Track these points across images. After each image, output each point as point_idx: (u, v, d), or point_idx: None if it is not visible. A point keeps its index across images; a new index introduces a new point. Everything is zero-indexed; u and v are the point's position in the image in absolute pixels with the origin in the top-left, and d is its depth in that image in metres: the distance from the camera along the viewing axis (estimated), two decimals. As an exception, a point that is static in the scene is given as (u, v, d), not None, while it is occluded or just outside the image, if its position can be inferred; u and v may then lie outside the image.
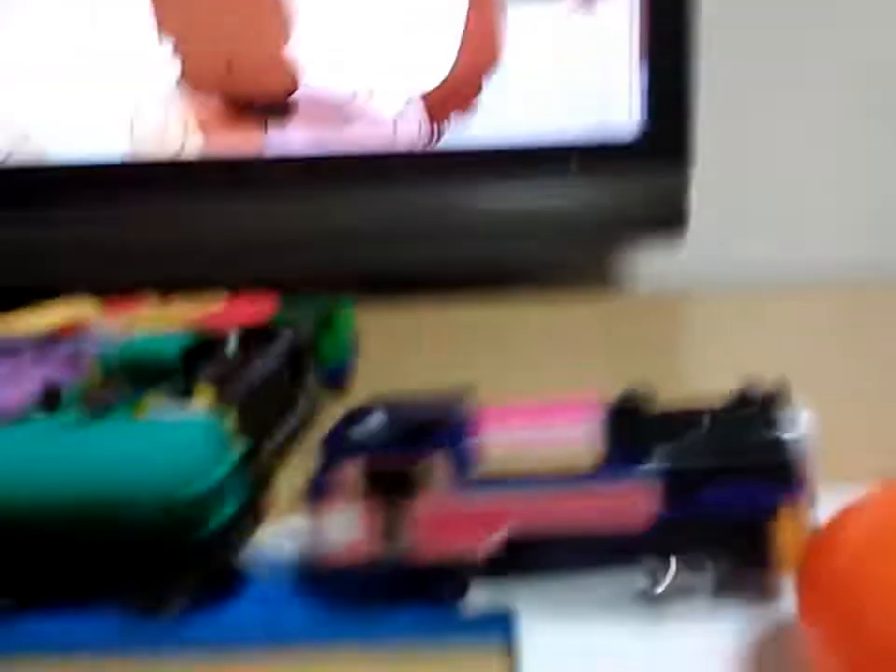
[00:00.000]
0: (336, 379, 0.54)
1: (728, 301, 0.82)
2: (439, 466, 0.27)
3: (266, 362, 0.44)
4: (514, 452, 0.28)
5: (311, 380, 0.50)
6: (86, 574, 0.31)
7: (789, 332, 0.70)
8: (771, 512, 0.26)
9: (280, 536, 0.33)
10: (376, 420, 0.29)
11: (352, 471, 0.27)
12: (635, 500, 0.26)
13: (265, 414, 0.40)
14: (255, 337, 0.46)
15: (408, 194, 0.76)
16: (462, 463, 0.27)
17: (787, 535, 0.25)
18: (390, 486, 0.27)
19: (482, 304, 0.85)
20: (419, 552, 0.28)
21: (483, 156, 0.75)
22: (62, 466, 0.30)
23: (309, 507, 0.28)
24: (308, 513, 0.29)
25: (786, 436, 0.26)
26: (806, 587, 0.22)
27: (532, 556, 0.28)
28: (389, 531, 0.28)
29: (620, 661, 0.26)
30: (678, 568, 0.27)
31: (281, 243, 0.70)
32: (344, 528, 0.28)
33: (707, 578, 0.27)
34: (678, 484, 0.26)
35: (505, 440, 0.28)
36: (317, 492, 0.28)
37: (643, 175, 0.77)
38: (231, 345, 0.43)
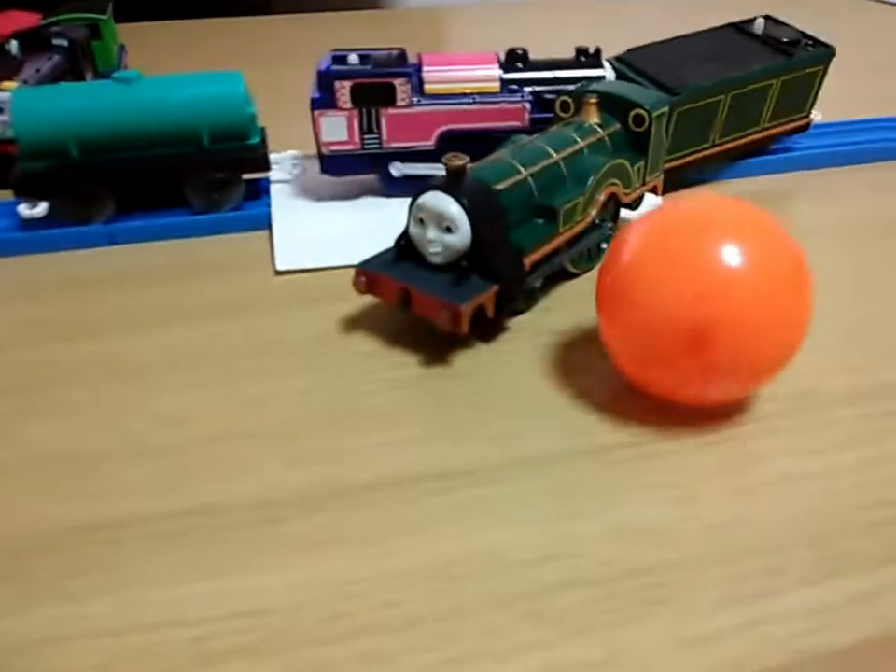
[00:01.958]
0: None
1: (486, 13, 1.03)
2: (402, 86, 0.44)
3: (49, 58, 0.56)
4: (447, 80, 0.46)
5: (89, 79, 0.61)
6: (170, 186, 0.46)
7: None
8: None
9: (283, 159, 0.51)
10: (353, 58, 0.45)
11: (343, 89, 0.44)
12: (520, 110, 0.45)
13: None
14: (32, 41, 0.58)
15: None
16: (415, 85, 0.45)
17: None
18: (370, 98, 0.44)
19: (249, 25, 0.98)
20: (388, 142, 0.46)
21: None
22: (156, 109, 0.44)
23: (314, 115, 0.45)
24: (314, 120, 0.45)
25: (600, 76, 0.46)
26: (601, 282, 0.31)
27: (456, 147, 0.45)
28: (368, 129, 0.45)
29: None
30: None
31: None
32: (337, 129, 0.45)
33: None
34: (542, 103, 0.46)
35: (440, 72, 0.46)
36: (319, 105, 0.45)
37: None
38: (14, 47, 0.56)
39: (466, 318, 0.32)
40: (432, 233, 0.34)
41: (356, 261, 0.41)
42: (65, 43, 0.59)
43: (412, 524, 0.27)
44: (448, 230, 0.33)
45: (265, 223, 0.47)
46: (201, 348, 0.37)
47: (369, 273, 0.35)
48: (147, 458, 0.30)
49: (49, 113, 0.43)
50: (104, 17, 0.68)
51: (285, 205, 0.49)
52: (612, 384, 0.33)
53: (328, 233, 0.46)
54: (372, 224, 0.46)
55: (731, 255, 0.27)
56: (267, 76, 0.77)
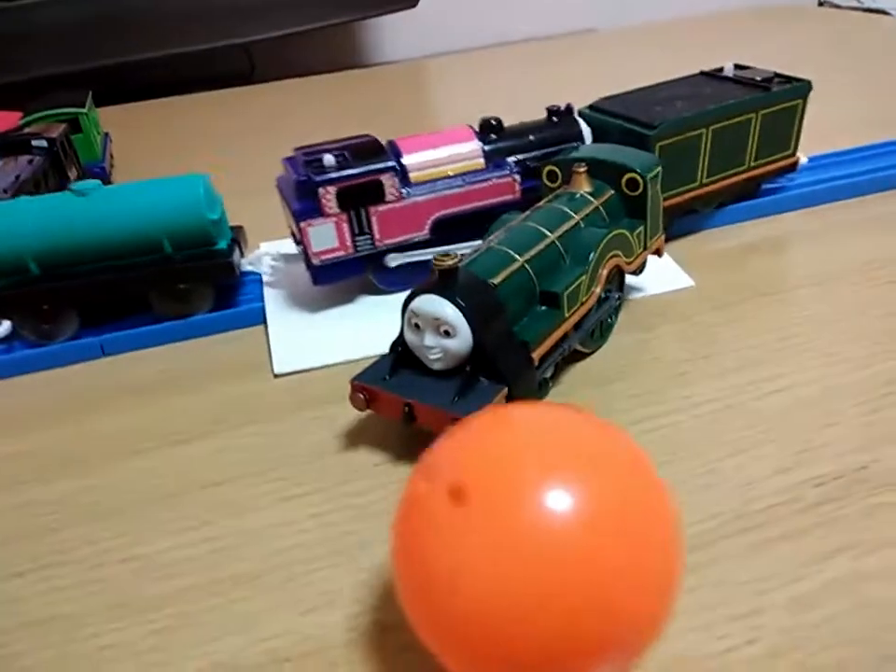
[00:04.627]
0: (95, 175, 0.64)
1: (460, 63, 1.07)
2: (389, 180, 0.43)
3: (29, 162, 0.55)
4: (431, 164, 0.44)
5: (74, 177, 0.61)
6: (134, 295, 0.44)
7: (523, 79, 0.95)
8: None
9: (257, 259, 0.49)
10: (329, 159, 0.42)
11: (328, 195, 0.41)
12: (511, 183, 0.44)
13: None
14: (12, 145, 0.57)
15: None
16: (401, 176, 0.43)
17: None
18: (358, 199, 0.42)
19: (233, 95, 0.99)
20: (381, 240, 0.44)
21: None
22: (115, 220, 0.42)
23: (302, 227, 0.42)
24: (302, 231, 0.42)
25: (577, 133, 0.46)
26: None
27: (449, 231, 0.44)
28: (360, 230, 0.43)
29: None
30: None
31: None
32: (327, 237, 0.43)
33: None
34: (528, 171, 0.44)
35: (422, 157, 0.44)
36: (304, 215, 0.42)
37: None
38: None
39: None
40: (430, 339, 0.32)
41: (357, 356, 0.40)
42: (44, 144, 0.59)
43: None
44: (447, 333, 0.31)
45: (261, 319, 0.46)
46: (191, 473, 0.34)
47: (366, 388, 0.33)
48: (133, 617, 0.28)
49: (5, 230, 0.42)
50: (83, 110, 0.67)
51: (278, 300, 0.47)
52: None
53: (325, 329, 0.44)
54: (372, 313, 0.45)
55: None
56: (258, 143, 0.77)
